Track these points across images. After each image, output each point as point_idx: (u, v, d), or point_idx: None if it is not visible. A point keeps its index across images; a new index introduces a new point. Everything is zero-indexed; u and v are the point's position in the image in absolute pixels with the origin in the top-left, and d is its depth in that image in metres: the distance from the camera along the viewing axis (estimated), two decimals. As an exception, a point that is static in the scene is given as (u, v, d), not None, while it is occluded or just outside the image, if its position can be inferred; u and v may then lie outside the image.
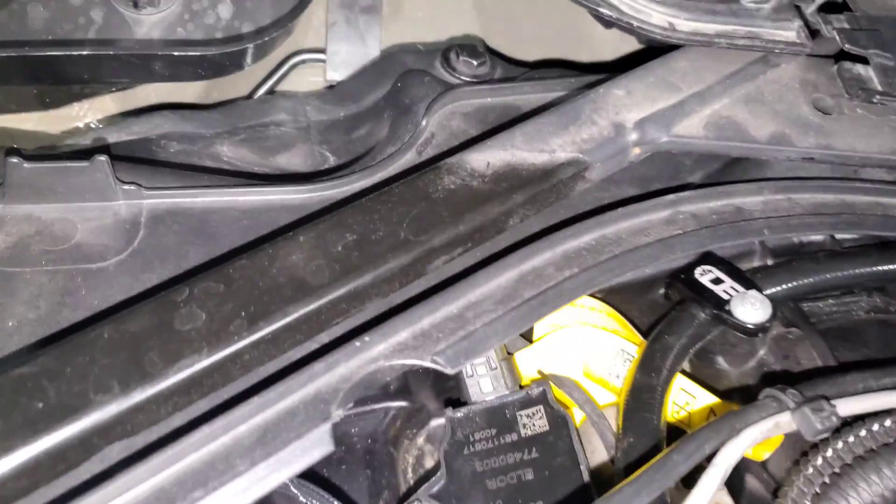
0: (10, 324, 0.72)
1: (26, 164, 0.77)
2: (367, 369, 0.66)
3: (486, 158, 0.79)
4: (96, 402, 0.60)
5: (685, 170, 0.96)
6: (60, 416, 0.59)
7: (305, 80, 1.19)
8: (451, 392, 1.03)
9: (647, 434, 0.78)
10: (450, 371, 0.67)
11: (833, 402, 0.71)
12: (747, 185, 0.85)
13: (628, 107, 0.87)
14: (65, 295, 0.74)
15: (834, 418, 0.69)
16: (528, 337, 1.01)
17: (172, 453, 0.58)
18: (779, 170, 0.94)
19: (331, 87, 1.16)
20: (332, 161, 1.01)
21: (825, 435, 0.70)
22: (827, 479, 0.73)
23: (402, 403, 1.11)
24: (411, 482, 1.08)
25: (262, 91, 1.16)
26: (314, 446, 0.60)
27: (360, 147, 1.03)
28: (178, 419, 0.63)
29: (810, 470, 0.76)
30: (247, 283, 0.68)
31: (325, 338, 0.69)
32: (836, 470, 0.73)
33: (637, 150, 0.86)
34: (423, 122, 0.91)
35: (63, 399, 0.60)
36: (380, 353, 0.67)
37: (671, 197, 0.81)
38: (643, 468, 0.63)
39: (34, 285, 0.74)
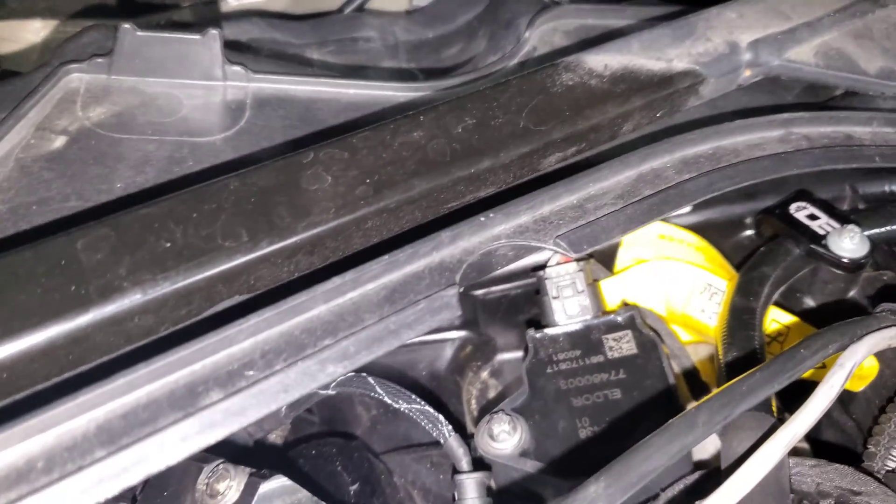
0: (118, 185, 0.71)
1: (139, 32, 0.76)
2: (491, 246, 0.65)
3: (604, 60, 0.78)
4: (225, 247, 0.58)
5: (786, 105, 0.94)
6: (188, 256, 0.57)
7: (391, 2, 1.18)
8: (520, 326, 1.02)
9: (750, 351, 0.76)
10: (572, 255, 0.66)
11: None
12: (858, 113, 0.84)
13: (741, 28, 0.85)
14: (171, 163, 0.73)
15: (959, 332, 0.67)
16: (610, 268, 1.00)
17: (299, 303, 0.56)
18: (885, 108, 0.92)
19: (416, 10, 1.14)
20: (422, 77, 0.99)
21: (947, 350, 0.68)
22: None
23: (470, 334, 1.10)
24: (475, 413, 1.07)
25: (350, 9, 1.15)
26: (441, 308, 0.59)
27: (451, 65, 1.01)
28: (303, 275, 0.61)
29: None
30: (370, 154, 0.66)
31: (446, 212, 0.67)
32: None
33: (748, 72, 0.84)
34: (526, 35, 0.90)
35: (191, 241, 0.58)
36: (502, 232, 0.66)
37: (785, 116, 0.80)
38: (772, 359, 0.61)
39: (141, 151, 0.73)
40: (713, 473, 0.66)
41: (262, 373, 0.53)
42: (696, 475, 0.72)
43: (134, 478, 0.49)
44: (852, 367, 0.64)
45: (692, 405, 0.58)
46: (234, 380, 0.53)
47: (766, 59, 0.85)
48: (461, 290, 0.61)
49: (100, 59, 0.77)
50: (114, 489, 0.48)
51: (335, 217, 0.62)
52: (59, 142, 0.72)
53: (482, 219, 0.65)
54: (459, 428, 0.94)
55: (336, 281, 0.57)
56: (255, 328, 0.55)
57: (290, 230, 0.60)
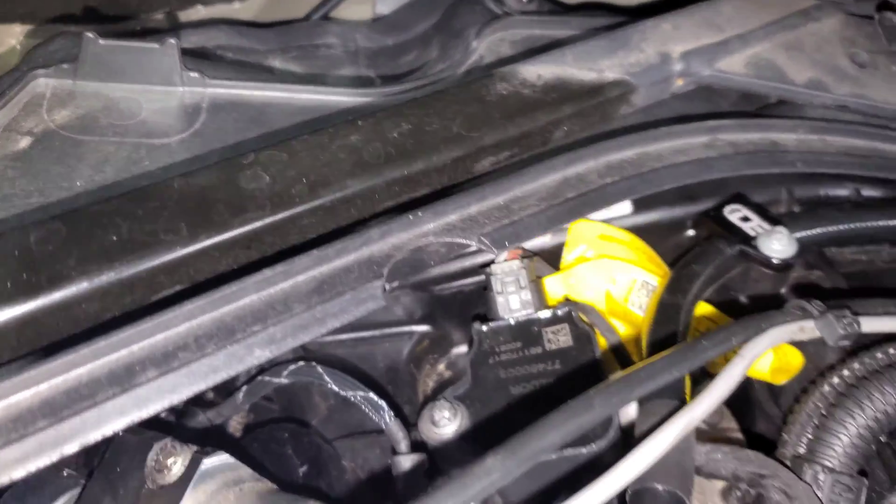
0: (78, 184, 0.76)
1: (101, 41, 0.81)
2: (418, 243, 0.69)
3: (538, 71, 0.83)
4: (165, 241, 0.63)
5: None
6: (132, 249, 0.63)
7: (354, 11, 1.23)
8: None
9: (671, 343, 0.81)
10: (494, 253, 0.71)
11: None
12: (783, 121, 0.89)
13: (675, 39, 0.90)
14: (129, 163, 0.78)
15: (856, 325, 0.72)
16: (556, 266, 1.05)
17: (231, 292, 0.61)
18: (813, 116, 0.97)
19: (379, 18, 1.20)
20: (379, 83, 1.04)
21: (846, 342, 0.73)
22: (844, 392, 0.77)
23: (427, 328, 1.15)
24: (430, 403, 1.11)
25: (316, 17, 1.20)
26: (367, 299, 0.64)
27: (407, 71, 1.06)
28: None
29: (826, 387, 0.79)
30: (308, 155, 0.71)
31: (381, 211, 0.72)
32: (854, 383, 0.77)
33: (680, 81, 0.89)
34: (474, 44, 0.95)
35: (135, 235, 0.63)
36: (430, 230, 0.71)
37: (711, 123, 0.84)
38: (673, 348, 0.66)
39: (101, 152, 0.78)
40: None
41: (194, 354, 0.58)
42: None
43: (73, 446, 0.54)
44: (752, 358, 0.69)
45: (592, 388, 0.62)
46: (169, 360, 0.58)
47: (697, 69, 0.90)
48: (395, 285, 0.66)
49: (65, 66, 0.82)
50: (54, 455, 0.53)
51: (271, 214, 0.67)
52: (25, 142, 0.77)
53: (411, 217, 0.70)
54: (413, 417, 0.99)
55: (267, 272, 0.62)
56: (190, 314, 0.60)
57: (227, 225, 0.65)
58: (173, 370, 0.57)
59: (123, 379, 0.57)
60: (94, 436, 0.55)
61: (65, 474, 0.84)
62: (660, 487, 0.66)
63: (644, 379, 0.63)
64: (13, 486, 0.81)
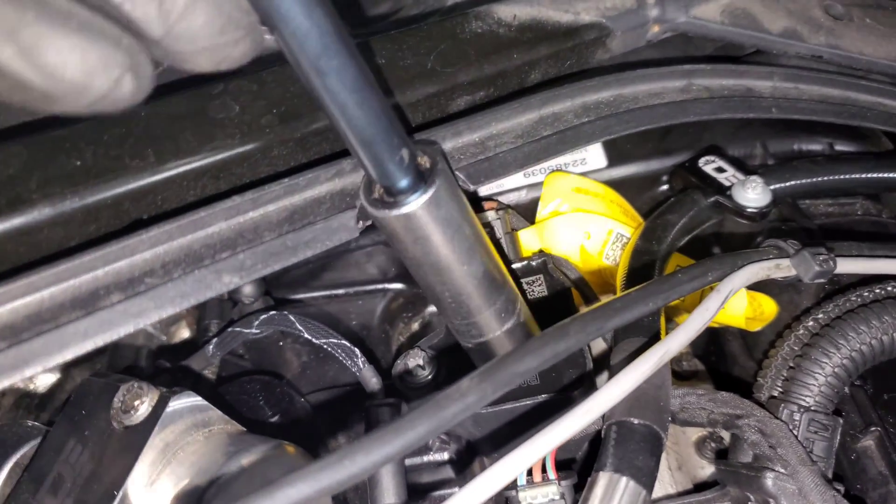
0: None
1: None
2: (391, 175, 0.68)
3: (513, 11, 0.82)
4: (131, 167, 0.62)
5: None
6: (96, 175, 0.61)
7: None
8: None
9: (646, 286, 0.80)
10: (470, 187, 0.69)
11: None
12: (759, 68, 0.88)
13: (650, -16, 0.90)
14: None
15: (832, 262, 0.72)
16: (531, 220, 1.04)
17: (199, 217, 0.60)
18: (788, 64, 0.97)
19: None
20: (351, 24, 1.02)
21: (822, 280, 0.73)
22: (819, 332, 0.76)
23: (401, 286, 1.14)
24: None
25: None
26: (339, 229, 0.62)
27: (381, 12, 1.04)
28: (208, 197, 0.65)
29: (801, 330, 0.79)
30: (279, 87, 0.70)
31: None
32: (828, 324, 0.77)
33: (656, 28, 0.89)
34: (449, -10, 0.93)
35: (100, 161, 0.61)
36: (403, 164, 0.69)
37: (687, 67, 0.84)
38: (648, 283, 0.65)
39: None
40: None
41: (160, 280, 0.57)
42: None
43: (33, 369, 0.52)
44: (728, 293, 0.68)
45: (570, 318, 0.61)
46: (135, 285, 0.56)
47: (672, 16, 0.89)
48: (368, 223, 0.64)
49: None
50: (11, 379, 0.51)
51: (240, 144, 0.66)
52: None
53: (384, 150, 0.68)
54: (386, 374, 0.98)
55: (236, 199, 0.61)
56: (156, 239, 0.58)
57: (195, 153, 0.64)
58: (139, 294, 0.56)
59: (87, 302, 0.55)
60: (57, 358, 0.53)
61: (29, 424, 0.83)
62: (636, 421, 0.65)
63: (620, 309, 0.62)
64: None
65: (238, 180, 0.67)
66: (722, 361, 1.01)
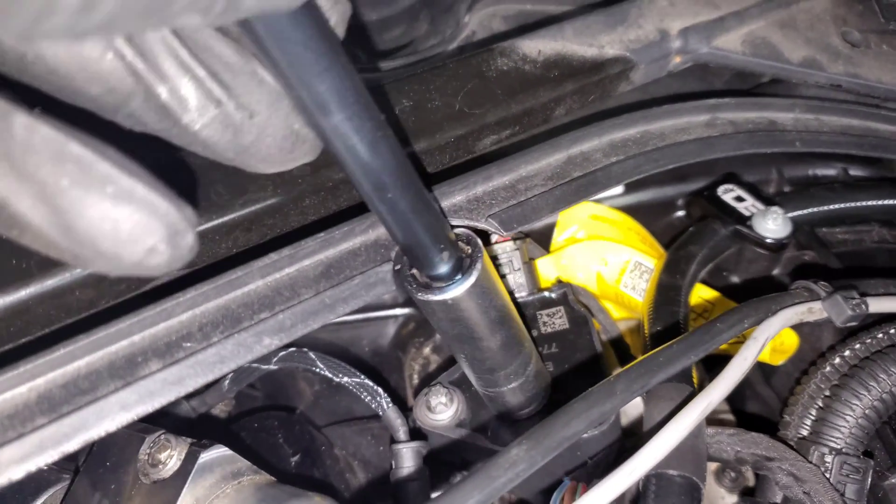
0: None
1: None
2: (425, 224, 0.67)
3: (538, 46, 0.81)
4: (163, 224, 0.60)
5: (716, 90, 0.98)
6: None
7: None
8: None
9: (673, 324, 0.80)
10: (503, 233, 0.68)
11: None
12: (780, 100, 0.88)
13: (672, 16, 0.89)
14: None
15: (864, 306, 0.72)
16: (546, 247, 1.03)
17: (236, 277, 0.58)
18: (807, 96, 0.97)
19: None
20: (364, 60, 1.01)
21: (854, 323, 0.72)
22: (847, 372, 0.76)
23: (411, 311, 1.13)
24: (416, 387, 1.10)
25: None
26: (376, 283, 0.61)
27: (394, 47, 1.03)
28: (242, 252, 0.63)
29: (828, 368, 0.79)
30: (308, 134, 0.68)
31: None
32: (857, 363, 0.76)
33: (678, 59, 0.88)
34: (466, 19, 0.92)
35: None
36: (436, 212, 0.68)
37: (711, 101, 0.83)
38: (690, 332, 0.65)
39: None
40: (637, 443, 0.69)
41: (199, 344, 0.55)
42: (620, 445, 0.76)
43: (75, 444, 0.50)
44: (765, 340, 0.68)
45: (613, 374, 0.61)
46: (173, 351, 0.55)
47: (695, 47, 0.88)
48: (397, 267, 0.63)
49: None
50: (55, 455, 0.50)
51: (272, 195, 0.64)
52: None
53: (416, 198, 0.67)
54: (400, 401, 0.97)
55: (273, 256, 0.59)
56: (193, 301, 0.56)
57: (227, 207, 0.62)
58: (178, 361, 0.54)
59: (125, 371, 0.53)
60: (97, 431, 0.51)
61: (45, 469, 0.81)
62: (674, 473, 0.65)
63: (664, 364, 0.62)
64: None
65: (269, 231, 0.65)
66: (739, 390, 1.01)
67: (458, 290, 0.55)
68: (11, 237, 0.45)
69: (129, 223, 0.41)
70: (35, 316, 0.56)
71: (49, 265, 0.56)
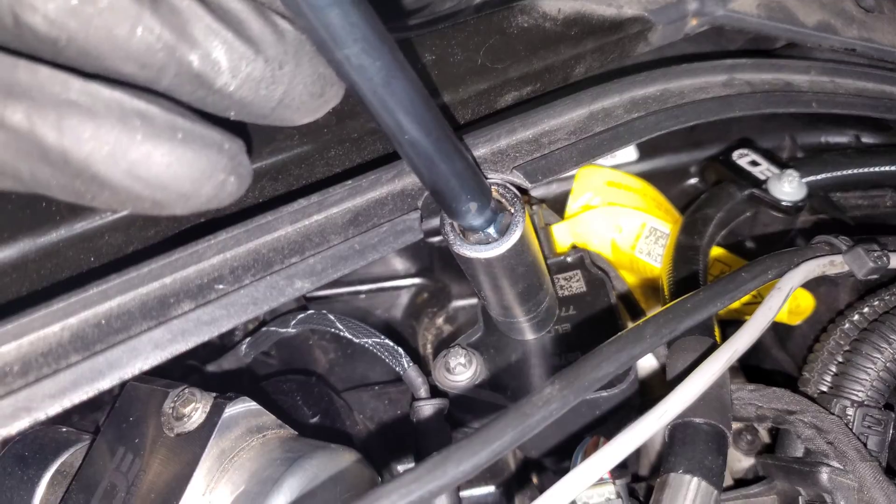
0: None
1: None
2: (451, 175, 0.67)
3: (558, 4, 0.81)
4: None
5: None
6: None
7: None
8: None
9: (693, 282, 0.80)
10: (528, 185, 0.68)
11: (881, 252, 0.75)
12: (796, 62, 0.88)
13: (688, -22, 0.89)
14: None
15: (886, 259, 0.72)
16: (561, 213, 1.03)
17: (266, 222, 0.58)
18: (822, 58, 0.97)
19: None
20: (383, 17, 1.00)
21: (875, 276, 0.73)
22: (868, 327, 0.76)
23: (425, 281, 1.13)
24: (430, 356, 1.10)
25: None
26: (404, 231, 0.61)
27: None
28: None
29: (847, 325, 0.79)
30: (334, 85, 0.68)
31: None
32: (877, 318, 0.77)
33: (694, 21, 0.88)
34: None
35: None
36: (461, 163, 0.68)
37: (729, 62, 0.83)
38: (715, 281, 0.65)
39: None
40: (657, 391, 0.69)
41: (231, 286, 0.55)
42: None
43: (108, 381, 0.50)
44: (789, 290, 0.68)
45: (642, 319, 0.61)
46: (205, 292, 0.55)
47: (711, 9, 0.88)
48: (423, 217, 0.64)
49: None
50: (90, 391, 0.50)
51: (299, 145, 0.64)
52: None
53: (442, 149, 0.67)
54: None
55: (302, 202, 0.59)
56: (224, 245, 0.56)
57: (256, 155, 0.62)
58: (211, 302, 0.54)
59: (158, 311, 0.53)
60: (131, 370, 0.51)
61: (65, 430, 0.81)
62: (700, 421, 0.65)
63: (691, 310, 0.62)
64: (10, 444, 0.78)
65: (295, 181, 0.65)
66: (753, 353, 1.01)
67: (497, 251, 0.58)
68: (85, 202, 0.47)
69: (202, 163, 0.45)
70: (65, 259, 0.56)
71: (78, 209, 0.56)
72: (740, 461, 0.91)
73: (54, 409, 0.49)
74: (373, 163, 0.68)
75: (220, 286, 0.55)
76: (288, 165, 0.64)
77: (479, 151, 0.69)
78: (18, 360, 0.49)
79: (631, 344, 0.58)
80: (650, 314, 0.61)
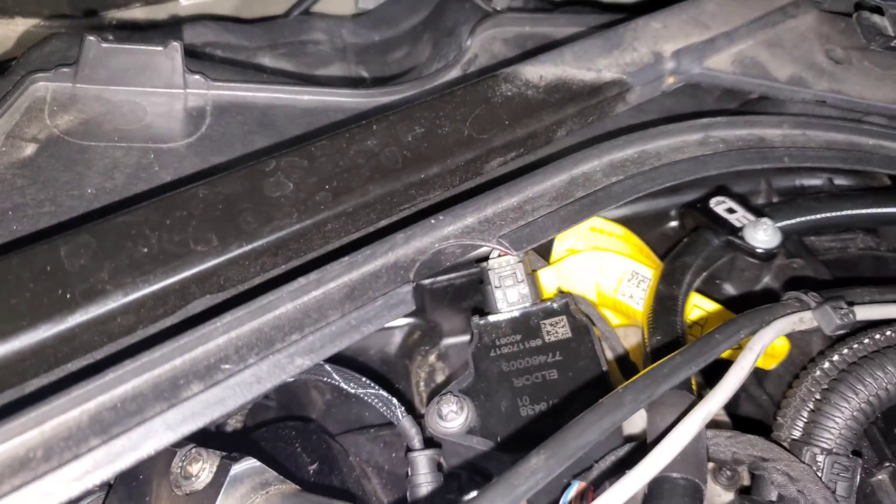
0: (89, 191, 0.75)
1: (103, 44, 0.80)
2: (441, 245, 0.71)
3: (539, 71, 0.85)
4: (196, 252, 0.64)
5: (707, 108, 1.03)
6: (164, 261, 0.63)
7: (335, 6, 1.22)
8: (464, 312, 1.08)
9: (673, 335, 0.84)
10: (514, 253, 0.72)
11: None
12: (769, 117, 0.92)
13: (665, 38, 0.93)
14: (139, 169, 0.77)
15: (851, 316, 0.76)
16: (546, 258, 1.07)
17: (268, 301, 0.62)
18: (793, 111, 1.01)
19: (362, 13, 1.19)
20: (369, 81, 1.05)
21: (842, 331, 0.77)
22: (837, 377, 0.81)
23: (418, 321, 1.16)
24: (423, 394, 1.13)
25: (296, 13, 1.19)
26: (398, 304, 0.65)
27: (398, 69, 1.07)
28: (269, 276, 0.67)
29: (818, 372, 0.84)
30: (328, 161, 0.72)
31: (399, 214, 0.73)
32: (846, 368, 0.81)
33: (671, 80, 0.92)
34: (468, 43, 0.96)
35: (165, 247, 0.63)
36: (451, 233, 0.72)
37: (704, 121, 0.88)
38: (690, 344, 0.69)
39: (109, 158, 0.77)
40: (641, 446, 0.74)
41: (237, 366, 0.59)
42: (626, 448, 0.80)
43: (126, 462, 0.54)
44: (760, 349, 0.72)
45: (621, 385, 0.65)
46: (212, 373, 0.58)
47: (687, 68, 0.93)
48: (414, 285, 0.68)
49: (65, 69, 0.81)
50: (108, 473, 0.53)
51: (297, 221, 0.68)
52: (30, 149, 0.76)
53: (433, 221, 0.71)
54: (409, 408, 1.00)
55: (301, 281, 0.63)
56: (228, 326, 0.60)
57: (256, 234, 0.66)
58: (218, 382, 0.58)
59: (169, 393, 0.57)
60: (146, 450, 0.55)
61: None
62: (677, 476, 0.69)
63: (668, 375, 0.66)
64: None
65: (294, 255, 0.69)
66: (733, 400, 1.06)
67: None
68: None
69: None
70: (81, 342, 0.60)
71: (91, 294, 0.60)
72: (720, 496, 0.95)
73: (76, 491, 0.53)
74: (370, 235, 0.72)
75: (227, 366, 0.59)
76: (287, 241, 0.67)
77: (468, 221, 0.73)
78: (42, 446, 0.53)
79: (612, 411, 0.62)
80: (628, 381, 0.66)
